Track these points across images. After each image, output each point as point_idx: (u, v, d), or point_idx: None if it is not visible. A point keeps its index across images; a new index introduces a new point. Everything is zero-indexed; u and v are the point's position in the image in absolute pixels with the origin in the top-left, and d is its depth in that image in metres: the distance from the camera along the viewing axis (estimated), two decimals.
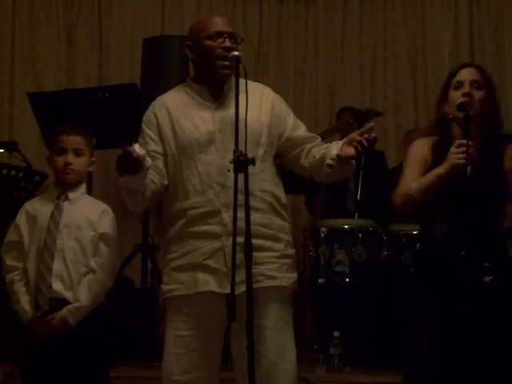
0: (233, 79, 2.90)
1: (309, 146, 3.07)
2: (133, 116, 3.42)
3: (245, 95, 2.76)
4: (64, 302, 3.20)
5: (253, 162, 2.68)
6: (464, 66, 3.19)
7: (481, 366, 2.89)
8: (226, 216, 2.88)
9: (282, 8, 6.52)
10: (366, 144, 2.81)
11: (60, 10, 6.33)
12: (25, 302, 3.22)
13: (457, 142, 2.97)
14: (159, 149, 3.01)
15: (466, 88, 3.07)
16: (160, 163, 3.00)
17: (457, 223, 2.95)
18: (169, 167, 3.01)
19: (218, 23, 3.01)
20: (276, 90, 3.21)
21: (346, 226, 4.93)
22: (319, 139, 3.11)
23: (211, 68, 2.99)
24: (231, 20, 3.13)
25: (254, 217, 2.75)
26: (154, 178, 2.96)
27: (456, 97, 3.07)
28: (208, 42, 2.98)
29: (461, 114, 3.03)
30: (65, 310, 3.18)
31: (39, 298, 3.19)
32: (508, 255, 3.66)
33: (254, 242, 2.70)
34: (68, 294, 3.21)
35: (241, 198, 2.67)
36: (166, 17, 6.42)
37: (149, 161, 2.83)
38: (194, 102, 3.04)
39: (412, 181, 3.10)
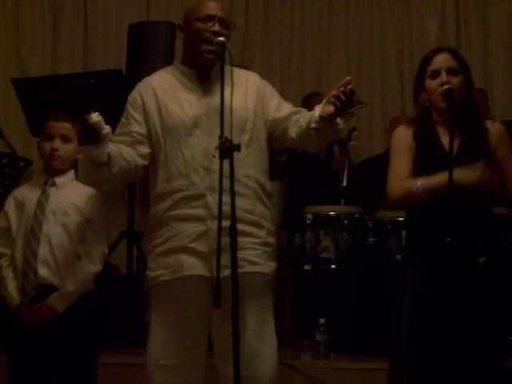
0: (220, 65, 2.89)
1: (295, 117, 3.05)
2: (118, 102, 3.40)
3: (230, 82, 2.76)
4: (51, 288, 3.20)
5: (238, 148, 2.68)
6: (437, 51, 3.13)
7: (465, 350, 2.88)
8: (211, 199, 2.88)
9: None
10: (343, 98, 2.79)
11: None
12: (12, 288, 3.22)
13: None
14: (142, 130, 3.02)
15: (444, 77, 3.04)
16: (140, 144, 3.01)
17: (448, 207, 2.90)
18: (152, 149, 3.01)
19: (211, 7, 3.02)
20: (262, 77, 3.21)
21: (332, 213, 4.92)
22: (305, 111, 3.07)
23: (197, 51, 3.00)
24: (225, 6, 3.13)
25: (239, 202, 2.74)
26: (127, 155, 2.96)
27: (434, 86, 3.06)
28: (197, 24, 3.00)
29: (443, 104, 3.02)
30: (50, 298, 3.18)
31: (26, 284, 3.19)
32: (498, 238, 3.68)
33: (238, 226, 2.69)
34: (55, 280, 3.21)
35: (225, 182, 2.66)
36: (152, 3, 6.39)
37: (107, 128, 2.81)
38: (181, 84, 3.05)
39: (405, 170, 3.08)
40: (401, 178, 3.09)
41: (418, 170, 3.06)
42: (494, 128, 3.13)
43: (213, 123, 2.87)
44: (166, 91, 3.04)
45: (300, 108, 3.13)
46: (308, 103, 5.29)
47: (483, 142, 3.07)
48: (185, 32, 3.07)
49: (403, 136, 3.16)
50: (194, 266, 2.90)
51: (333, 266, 4.84)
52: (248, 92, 3.06)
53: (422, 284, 2.98)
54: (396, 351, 3.03)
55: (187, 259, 2.91)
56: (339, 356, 4.49)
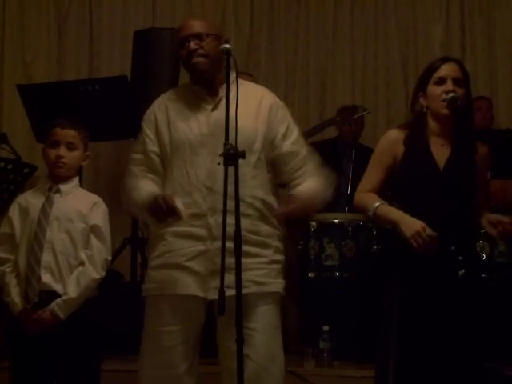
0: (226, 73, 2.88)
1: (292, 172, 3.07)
2: (123, 109, 3.41)
3: (241, 98, 2.72)
4: (55, 295, 3.20)
5: (243, 155, 2.64)
6: (445, 60, 3.12)
7: (446, 355, 2.91)
8: (212, 220, 2.88)
9: (274, 0, 6.50)
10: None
11: (50, 1, 6.29)
12: (15, 294, 3.22)
13: (429, 232, 2.90)
14: (155, 148, 3.05)
15: (450, 85, 3.03)
16: (157, 163, 3.05)
17: (431, 218, 2.93)
18: (162, 167, 3.05)
19: (184, 28, 3.06)
20: (267, 84, 3.21)
21: (336, 221, 4.91)
22: (300, 157, 3.08)
23: (190, 71, 3.06)
24: (198, 20, 3.15)
25: (243, 223, 2.64)
26: (157, 182, 3.03)
27: (438, 92, 3.05)
28: (180, 50, 3.05)
29: (445, 111, 3.02)
30: (53, 304, 3.18)
31: (29, 290, 3.19)
32: (476, 251, 3.71)
33: (242, 247, 2.63)
34: (58, 287, 3.22)
35: (229, 203, 2.59)
36: (157, 9, 6.39)
37: (183, 214, 2.85)
38: (192, 102, 3.07)
39: (372, 184, 3.12)
40: (365, 189, 3.15)
41: (402, 175, 3.08)
42: (482, 150, 3.14)
43: (219, 143, 2.79)
44: (177, 109, 3.07)
45: (295, 154, 3.08)
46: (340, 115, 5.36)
47: (472, 160, 3.08)
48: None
49: (390, 144, 3.16)
50: (187, 286, 2.90)
51: (337, 274, 4.83)
52: (260, 111, 3.05)
53: (406, 291, 3.02)
54: (383, 358, 3.04)
55: (181, 278, 2.91)
56: (343, 363, 4.48)
